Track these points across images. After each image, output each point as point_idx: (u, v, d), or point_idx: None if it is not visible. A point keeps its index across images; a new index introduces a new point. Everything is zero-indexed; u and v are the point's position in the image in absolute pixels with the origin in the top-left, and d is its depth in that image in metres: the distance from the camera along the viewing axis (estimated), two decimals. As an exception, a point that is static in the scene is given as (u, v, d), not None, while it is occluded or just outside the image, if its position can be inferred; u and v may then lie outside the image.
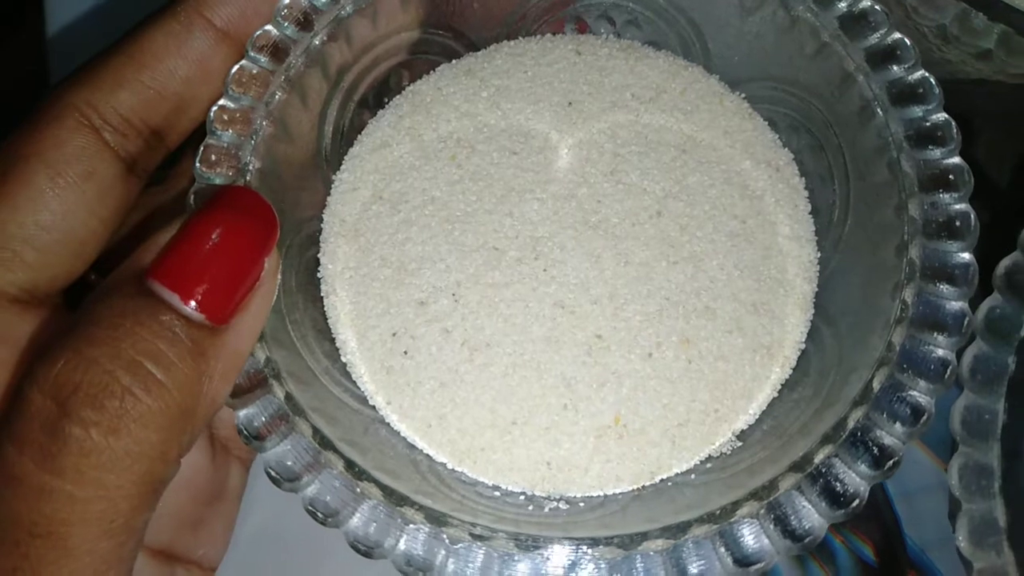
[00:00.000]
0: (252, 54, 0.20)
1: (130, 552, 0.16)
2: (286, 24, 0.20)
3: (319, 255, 0.22)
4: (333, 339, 0.21)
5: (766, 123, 0.23)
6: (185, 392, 0.16)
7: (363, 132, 0.23)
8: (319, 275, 0.22)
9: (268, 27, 0.20)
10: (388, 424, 0.21)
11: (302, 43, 0.20)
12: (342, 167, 0.23)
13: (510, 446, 0.20)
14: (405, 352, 0.21)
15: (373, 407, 0.21)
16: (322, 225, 0.22)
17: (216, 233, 0.16)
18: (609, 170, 0.22)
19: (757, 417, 0.20)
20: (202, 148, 0.19)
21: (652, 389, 0.20)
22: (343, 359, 0.21)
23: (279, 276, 0.18)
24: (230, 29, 0.20)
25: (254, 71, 0.20)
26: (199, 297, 0.16)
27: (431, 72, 0.23)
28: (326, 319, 0.21)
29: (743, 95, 0.23)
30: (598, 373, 0.20)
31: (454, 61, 0.23)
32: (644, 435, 0.20)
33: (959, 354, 0.18)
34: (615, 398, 0.20)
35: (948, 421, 0.18)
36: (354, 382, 0.21)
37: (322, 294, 0.22)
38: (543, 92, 0.23)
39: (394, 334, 0.21)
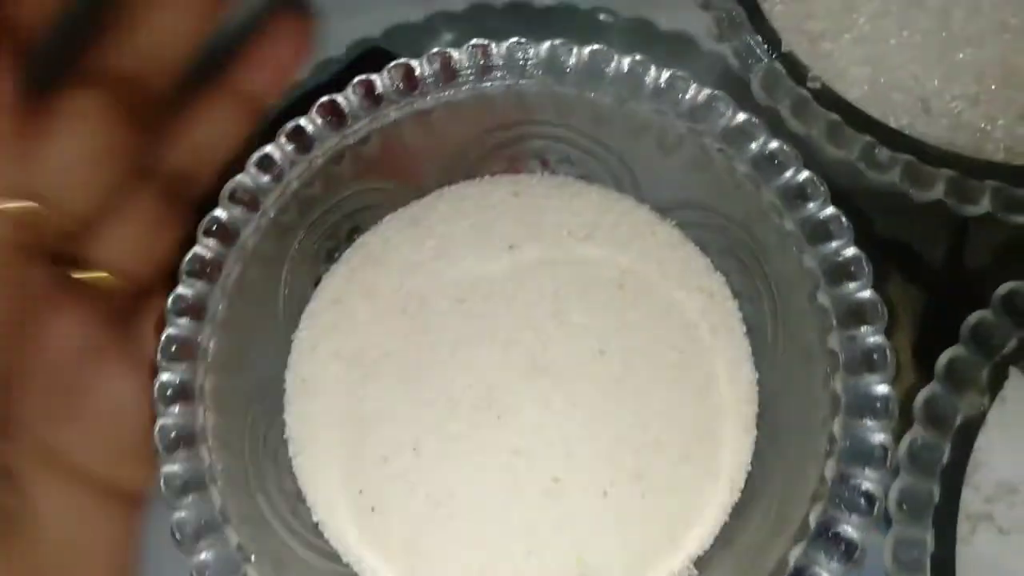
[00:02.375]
0: (203, 239, 0.21)
1: None
2: (233, 207, 0.21)
3: (284, 415, 0.23)
4: (303, 499, 0.22)
5: (697, 248, 0.24)
6: None
7: (318, 287, 0.24)
8: (285, 436, 0.23)
9: (217, 212, 0.21)
10: None
11: (251, 223, 0.21)
12: (300, 325, 0.23)
13: (480, 595, 0.21)
14: (372, 509, 0.22)
15: (347, 564, 0.22)
16: (285, 385, 0.23)
17: None
18: (552, 311, 0.23)
19: (711, 543, 0.21)
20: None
21: (610, 527, 0.21)
22: (314, 519, 0.22)
23: None
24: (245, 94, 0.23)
25: (208, 256, 0.21)
26: None
27: (378, 223, 0.24)
28: (295, 481, 0.22)
29: (674, 222, 0.24)
30: (557, 516, 0.21)
31: (400, 210, 0.25)
32: (606, 573, 0.21)
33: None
34: (574, 539, 0.21)
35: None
36: (326, 540, 0.22)
37: (290, 455, 0.22)
38: (484, 237, 0.24)
39: (360, 491, 0.22)
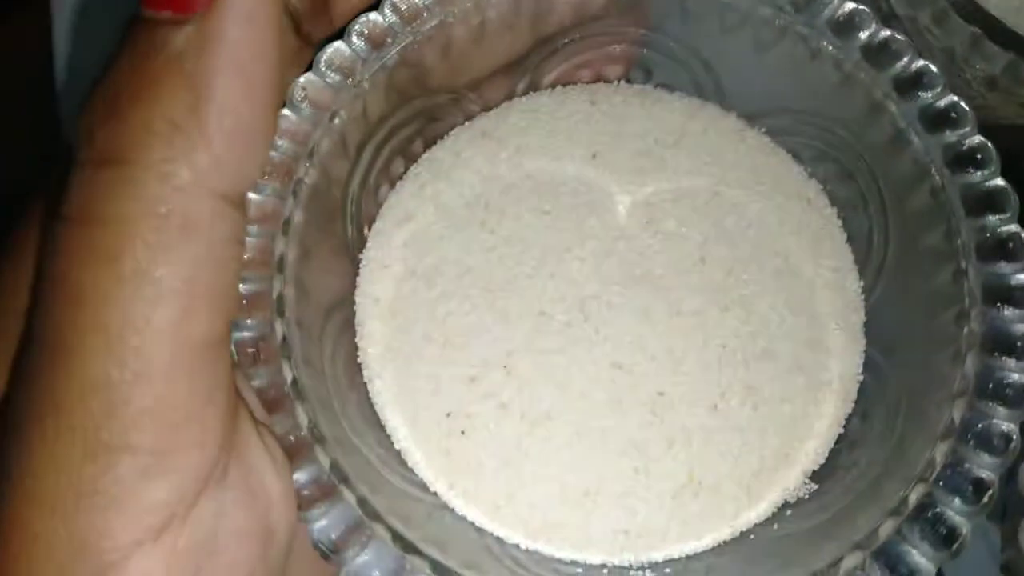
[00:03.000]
0: (279, 142, 0.19)
1: (167, 316, 0.15)
2: (304, 107, 0.19)
3: (356, 339, 0.21)
4: (383, 426, 0.20)
5: (790, 156, 0.22)
6: (173, 95, 0.14)
7: (385, 206, 0.22)
8: (359, 360, 0.21)
9: (286, 111, 0.19)
10: (452, 510, 0.20)
11: (317, 130, 0.19)
12: (368, 245, 0.22)
13: (585, 518, 0.19)
14: (462, 432, 0.20)
15: (435, 493, 0.20)
16: (355, 308, 0.21)
17: None
18: (645, 221, 0.21)
19: (826, 456, 0.20)
20: None
21: (722, 441, 0.20)
22: (396, 446, 0.20)
23: None
24: None
25: (277, 160, 0.19)
26: None
27: (446, 136, 0.23)
28: (372, 406, 0.21)
29: (763, 130, 0.23)
30: (666, 432, 0.20)
31: (467, 123, 0.23)
32: (720, 489, 0.20)
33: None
34: (686, 455, 0.20)
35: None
36: (410, 469, 0.20)
37: (365, 380, 0.21)
38: (564, 147, 0.22)
39: (448, 414, 0.20)
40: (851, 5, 0.20)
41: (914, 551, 0.16)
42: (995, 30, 0.22)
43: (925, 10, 0.22)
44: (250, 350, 0.17)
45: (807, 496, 0.20)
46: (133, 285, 0.14)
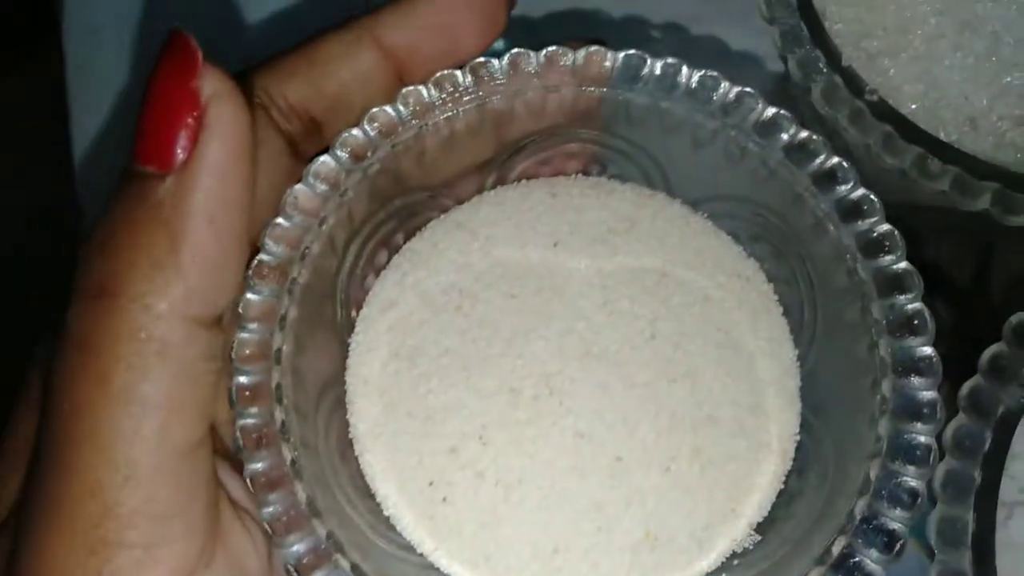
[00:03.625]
0: (268, 245, 0.21)
1: (151, 428, 0.17)
2: (295, 215, 0.22)
3: (348, 416, 0.23)
4: (373, 496, 0.23)
5: (730, 238, 0.25)
6: (152, 239, 0.17)
7: (371, 294, 0.25)
8: (351, 435, 0.23)
9: (279, 219, 0.22)
10: (438, 569, 0.22)
11: (308, 235, 0.22)
12: (356, 329, 0.24)
13: (554, 573, 0.22)
14: (444, 499, 0.22)
15: (421, 554, 0.22)
16: (346, 388, 0.24)
17: (148, 85, 0.17)
18: (601, 302, 0.24)
19: (768, 509, 0.22)
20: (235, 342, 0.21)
21: (674, 500, 0.22)
22: (386, 513, 0.23)
23: (238, 104, 0.18)
24: (395, 52, 0.22)
25: (273, 263, 0.21)
26: (144, 149, 0.17)
27: (424, 229, 0.25)
28: (363, 477, 0.23)
29: (706, 215, 0.25)
30: (624, 493, 0.22)
31: (442, 216, 0.26)
32: (673, 542, 0.22)
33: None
34: (643, 514, 0.22)
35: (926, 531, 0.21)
36: (399, 533, 0.22)
37: (356, 454, 0.23)
38: (529, 236, 0.25)
39: (431, 483, 0.22)
40: (772, 110, 0.23)
41: None
42: (905, 127, 0.25)
43: (842, 110, 0.25)
44: (254, 436, 0.20)
45: (751, 546, 0.22)
46: (121, 402, 0.16)
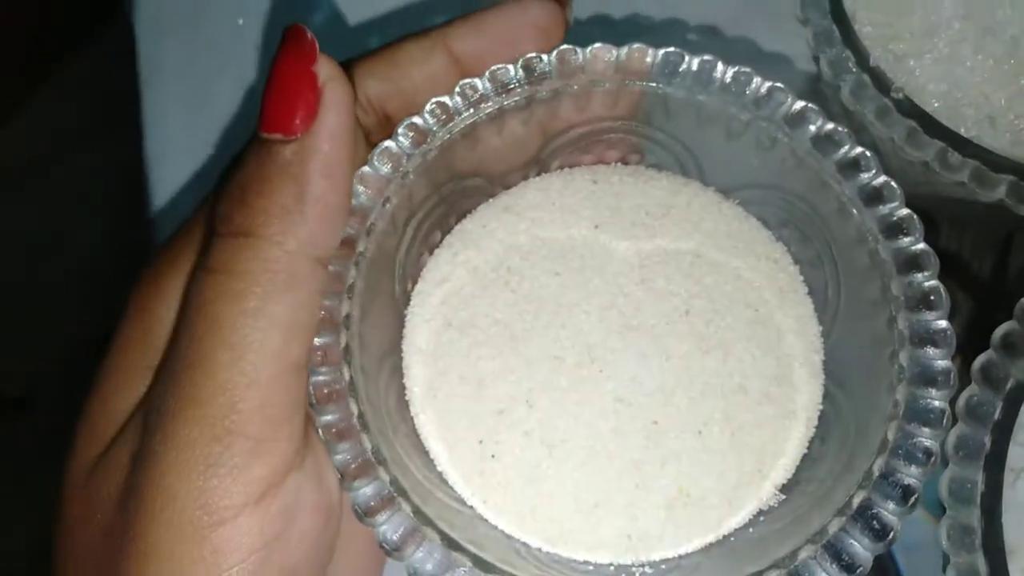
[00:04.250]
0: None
1: (276, 346, 0.20)
2: (361, 192, 0.24)
3: (404, 380, 0.25)
4: (427, 452, 0.25)
5: (759, 222, 0.27)
6: (284, 189, 0.20)
7: (425, 270, 0.27)
8: (406, 398, 0.25)
9: (364, 192, 0.23)
10: (486, 520, 0.24)
11: (373, 212, 0.24)
12: (412, 303, 0.26)
13: (595, 526, 0.24)
14: (492, 456, 0.24)
15: (471, 507, 0.24)
16: (402, 355, 0.26)
17: (273, 68, 0.21)
18: (639, 280, 0.26)
19: (793, 472, 0.24)
20: None
21: (706, 461, 0.24)
22: (438, 468, 0.25)
23: (345, 87, 0.22)
24: (463, 59, 0.25)
25: (343, 236, 0.23)
26: (273, 120, 0.20)
27: (474, 212, 0.27)
28: (418, 436, 0.25)
29: (737, 201, 0.27)
30: (659, 454, 0.24)
31: (491, 200, 0.28)
32: (705, 500, 0.24)
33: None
34: (677, 473, 0.24)
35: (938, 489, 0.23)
36: (451, 487, 0.24)
37: (412, 414, 0.25)
38: (572, 220, 0.27)
39: (480, 442, 0.24)
40: (801, 103, 0.25)
41: (855, 543, 0.20)
42: (928, 123, 0.27)
43: (869, 107, 0.27)
44: (325, 391, 0.22)
45: (777, 504, 0.24)
46: (253, 318, 0.20)
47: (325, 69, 0.21)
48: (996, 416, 0.23)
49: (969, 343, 0.31)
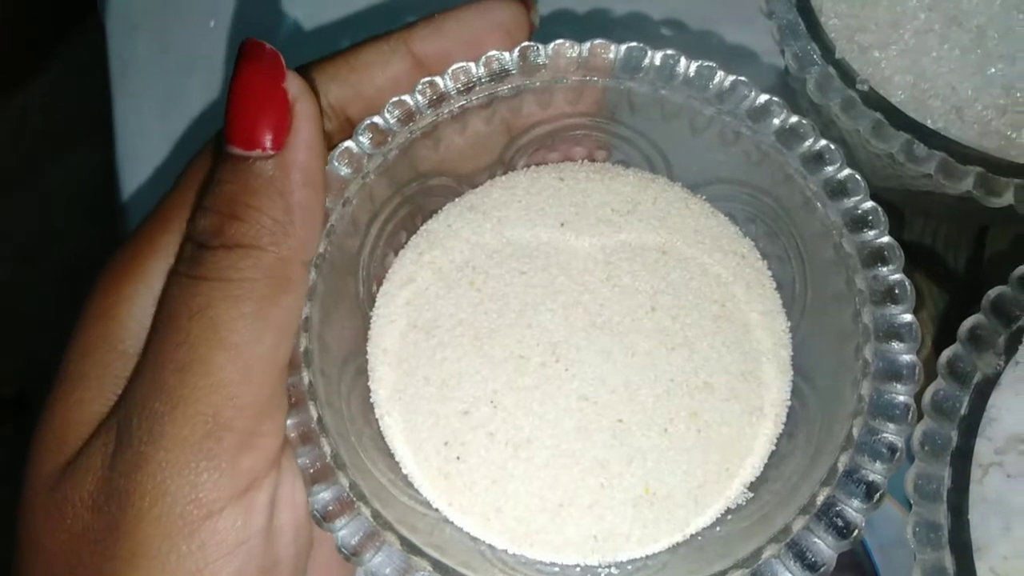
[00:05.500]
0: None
1: (271, 345, 0.21)
2: (332, 200, 0.23)
3: (368, 383, 0.25)
4: (392, 455, 0.25)
5: (727, 218, 0.27)
6: (273, 202, 0.21)
7: (390, 271, 0.27)
8: (371, 400, 0.25)
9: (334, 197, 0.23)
10: (451, 523, 0.24)
11: (333, 214, 0.24)
12: (377, 303, 0.26)
13: (561, 526, 0.23)
14: (457, 458, 0.24)
15: (436, 509, 0.24)
16: (367, 356, 0.26)
17: (241, 85, 0.21)
18: (604, 276, 0.26)
19: (761, 470, 0.24)
20: None
21: (672, 459, 0.24)
22: (403, 471, 0.24)
23: (312, 98, 0.22)
24: (426, 61, 0.25)
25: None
26: (249, 137, 0.21)
27: (439, 211, 0.27)
28: (383, 438, 0.25)
29: (704, 197, 0.27)
30: (625, 452, 0.24)
31: (456, 200, 0.27)
32: (671, 499, 0.23)
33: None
34: (643, 471, 0.24)
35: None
36: (416, 490, 0.24)
37: (376, 417, 0.25)
38: (538, 217, 0.27)
39: (445, 443, 0.24)
40: (765, 97, 0.24)
41: (819, 541, 0.20)
42: (894, 115, 0.26)
43: (835, 99, 0.27)
44: (287, 395, 0.22)
45: (744, 503, 0.24)
46: (252, 320, 0.20)
47: (294, 85, 0.22)
48: (963, 411, 0.23)
49: (943, 338, 0.31)
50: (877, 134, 0.26)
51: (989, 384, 0.23)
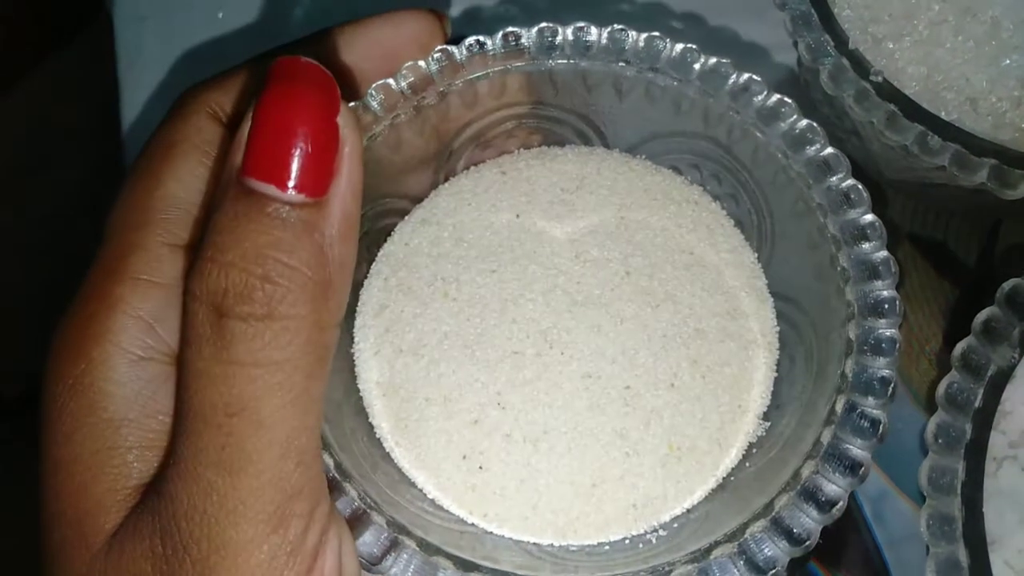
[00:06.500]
0: None
1: (314, 421, 0.19)
2: None
3: (370, 419, 0.25)
4: (413, 484, 0.24)
5: (670, 171, 0.27)
6: (313, 264, 0.18)
7: (360, 303, 0.26)
8: (377, 436, 0.24)
9: None
10: (491, 533, 0.23)
11: None
12: (355, 339, 0.26)
13: (598, 505, 0.23)
14: (480, 467, 0.24)
15: (473, 524, 0.23)
16: (360, 394, 0.25)
17: (280, 112, 0.18)
18: (573, 255, 0.26)
19: (770, 398, 0.25)
20: None
21: (686, 411, 0.24)
22: (429, 496, 0.24)
23: (359, 135, 0.19)
24: (343, 75, 0.23)
25: None
26: (292, 180, 0.17)
27: (392, 233, 0.27)
28: (399, 470, 0.24)
29: (644, 156, 0.28)
30: (640, 416, 0.24)
31: (407, 217, 0.27)
32: (696, 449, 0.24)
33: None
34: (662, 430, 0.24)
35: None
36: (447, 511, 0.24)
37: (387, 451, 0.24)
38: (491, 214, 0.27)
39: (464, 457, 0.24)
40: (680, 46, 0.25)
41: (850, 447, 0.21)
42: (908, 107, 0.27)
43: (849, 90, 0.27)
44: None
45: (764, 433, 0.24)
46: (298, 407, 0.18)
47: (346, 120, 0.19)
48: (977, 403, 0.23)
49: (955, 332, 0.31)
50: (891, 125, 0.26)
51: (1003, 377, 0.23)
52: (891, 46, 0.29)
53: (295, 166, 0.18)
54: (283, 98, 0.18)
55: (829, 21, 0.28)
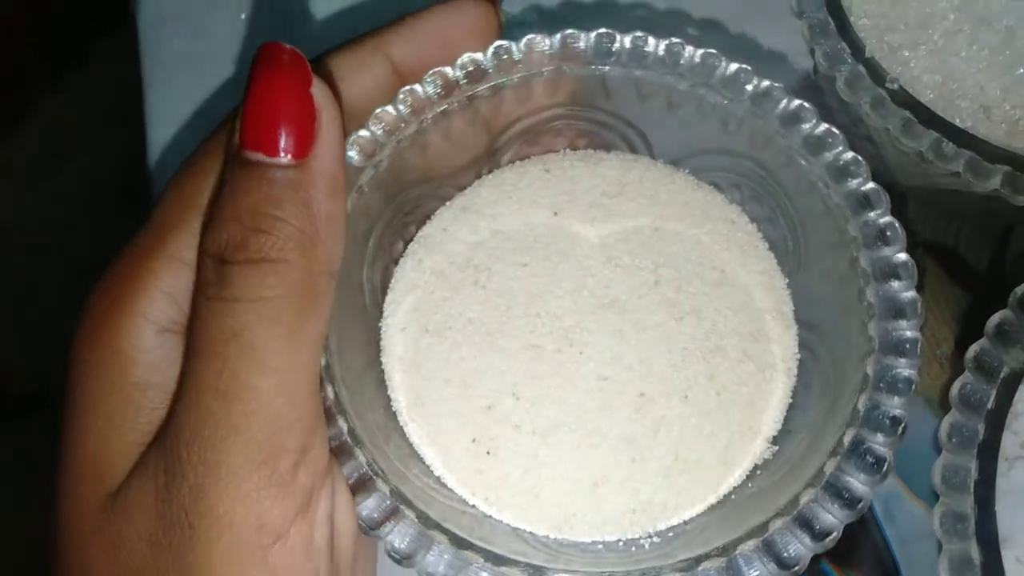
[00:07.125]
0: None
1: (308, 360, 0.21)
2: None
3: (389, 392, 0.25)
4: (421, 459, 0.25)
5: (711, 187, 0.28)
6: (299, 216, 0.21)
7: (393, 280, 0.27)
8: (393, 409, 0.25)
9: None
10: (491, 517, 0.24)
11: None
12: (384, 314, 0.26)
13: (598, 505, 0.24)
14: (487, 453, 0.24)
15: (474, 506, 0.24)
16: (382, 367, 0.26)
17: (262, 92, 0.21)
18: (605, 258, 0.26)
19: (781, 423, 0.25)
20: None
21: (696, 425, 0.24)
22: (436, 473, 0.24)
23: (336, 106, 0.22)
24: (402, 66, 0.25)
25: None
26: (280, 145, 0.21)
27: (433, 217, 0.28)
28: (410, 444, 0.25)
29: (687, 170, 0.28)
30: (650, 424, 0.24)
31: (448, 203, 0.28)
32: (701, 463, 0.24)
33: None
34: (670, 440, 0.24)
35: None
36: (451, 490, 0.24)
37: (401, 424, 0.25)
38: (531, 210, 0.27)
39: (473, 440, 0.24)
40: (735, 66, 0.25)
41: (852, 480, 0.21)
42: (923, 114, 0.27)
43: (864, 98, 0.28)
44: None
45: (771, 456, 0.24)
46: (289, 341, 0.20)
47: (320, 91, 0.22)
48: (990, 404, 0.23)
49: (966, 337, 0.31)
50: (906, 132, 0.27)
51: (1016, 379, 0.24)
52: (907, 54, 0.29)
53: (280, 134, 0.21)
54: (262, 79, 0.21)
55: (846, 29, 0.29)
